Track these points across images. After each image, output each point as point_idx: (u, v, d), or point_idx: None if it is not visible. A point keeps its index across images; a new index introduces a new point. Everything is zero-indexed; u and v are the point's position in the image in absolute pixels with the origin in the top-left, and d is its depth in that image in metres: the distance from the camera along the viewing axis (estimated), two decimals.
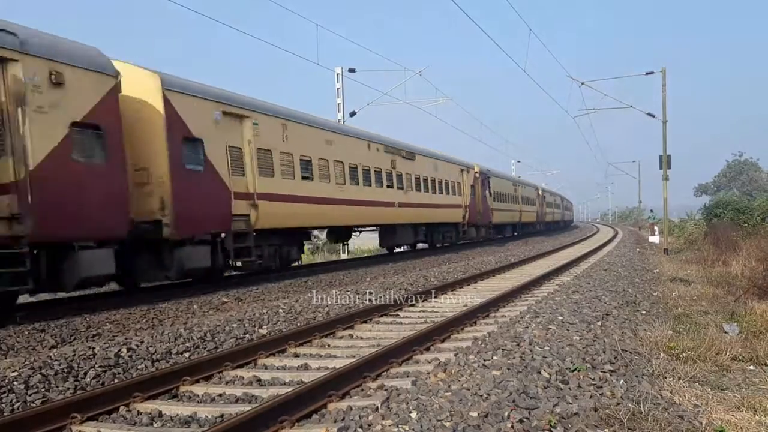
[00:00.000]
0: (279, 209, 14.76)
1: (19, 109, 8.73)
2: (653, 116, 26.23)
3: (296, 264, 17.72)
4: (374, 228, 22.86)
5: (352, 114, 26.74)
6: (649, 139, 39.11)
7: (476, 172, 31.75)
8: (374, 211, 20.42)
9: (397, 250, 25.98)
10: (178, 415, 4.99)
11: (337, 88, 26.34)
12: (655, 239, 32.34)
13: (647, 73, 25.51)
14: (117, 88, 10.53)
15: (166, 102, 11.58)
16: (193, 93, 12.41)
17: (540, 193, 53.00)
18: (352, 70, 25.97)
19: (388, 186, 21.54)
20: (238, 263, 14.15)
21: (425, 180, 25.08)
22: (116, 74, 10.50)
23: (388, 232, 23.22)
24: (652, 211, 40.64)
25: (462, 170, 30.00)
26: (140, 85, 11.45)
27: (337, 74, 26.21)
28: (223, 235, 13.07)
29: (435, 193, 26.11)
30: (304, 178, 16.06)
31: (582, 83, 25.93)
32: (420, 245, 27.42)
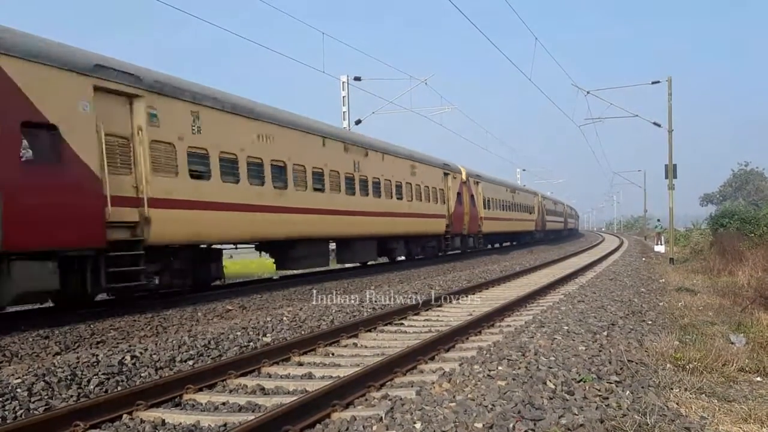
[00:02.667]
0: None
1: None
2: (659, 125, 26.18)
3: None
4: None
5: (358, 122, 26.79)
6: (654, 149, 38.97)
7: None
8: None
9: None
10: (181, 423, 4.97)
11: (343, 97, 26.39)
12: (660, 249, 32.23)
13: (653, 83, 25.47)
14: None
15: None
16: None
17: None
18: (357, 79, 26.03)
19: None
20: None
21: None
22: None
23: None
24: (659, 220, 40.47)
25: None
26: None
27: (343, 82, 26.27)
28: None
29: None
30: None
31: (588, 92, 25.96)
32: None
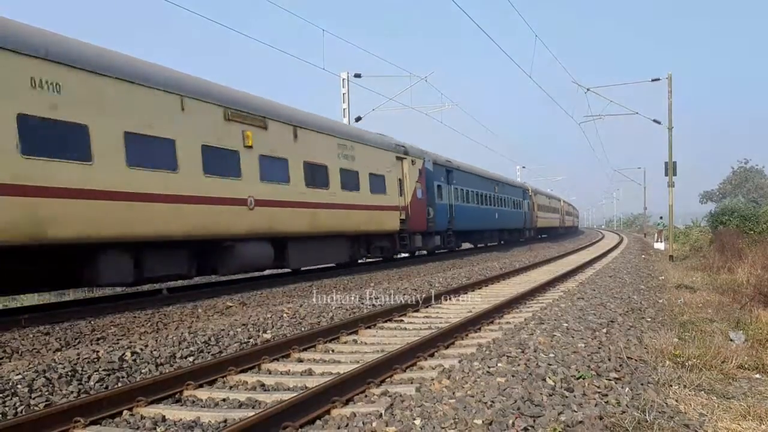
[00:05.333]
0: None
1: None
2: (659, 123, 26.18)
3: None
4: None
5: (358, 119, 26.76)
6: (654, 146, 38.91)
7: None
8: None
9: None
10: (181, 419, 4.98)
11: (343, 93, 26.36)
12: (660, 246, 32.24)
13: (653, 80, 25.45)
14: None
15: None
16: None
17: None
18: (357, 76, 25.99)
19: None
20: None
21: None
22: None
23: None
24: (661, 218, 40.42)
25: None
26: None
27: (343, 79, 26.24)
28: None
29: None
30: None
31: (588, 89, 25.92)
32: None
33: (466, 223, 28.47)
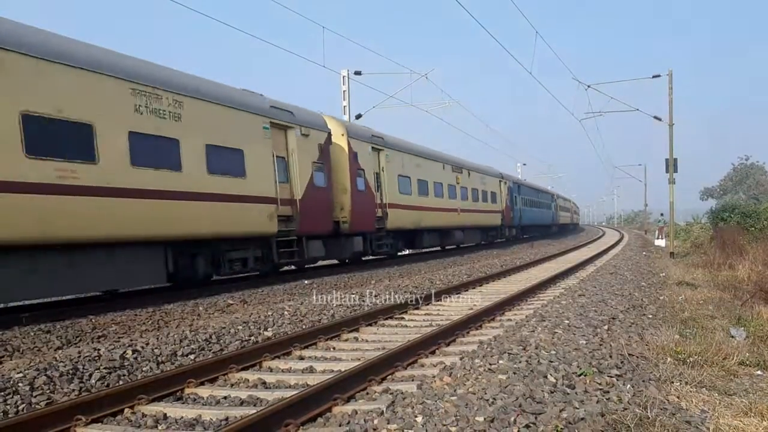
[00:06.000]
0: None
1: None
2: (659, 119, 26.14)
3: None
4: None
5: (358, 116, 26.74)
6: (655, 142, 38.88)
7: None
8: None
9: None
10: (182, 417, 4.98)
11: (343, 91, 26.34)
12: (661, 243, 32.25)
13: (654, 76, 25.42)
14: None
15: None
16: None
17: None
18: (358, 73, 25.97)
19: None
20: None
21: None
22: None
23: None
24: (662, 215, 40.36)
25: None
26: None
27: (343, 77, 26.21)
28: None
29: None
30: None
31: (588, 86, 25.90)
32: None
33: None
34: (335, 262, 19.98)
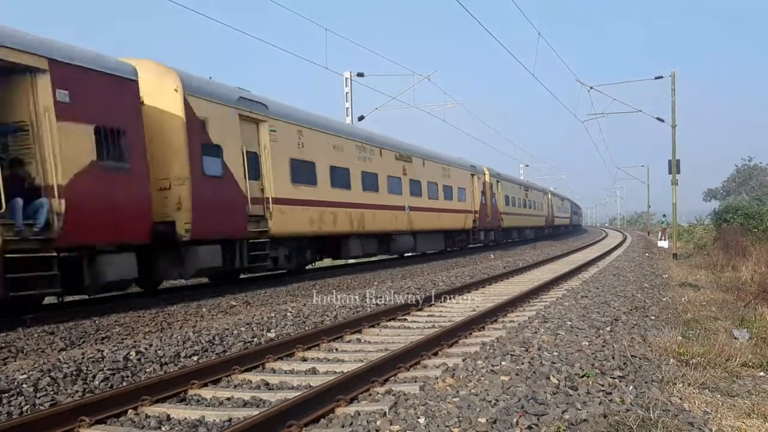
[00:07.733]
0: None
1: None
2: (662, 120, 26.10)
3: None
4: None
5: (361, 118, 26.76)
6: (658, 143, 38.83)
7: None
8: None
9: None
10: (186, 418, 5.00)
11: (346, 93, 26.37)
12: (664, 244, 32.19)
13: (656, 78, 25.38)
14: None
15: None
16: None
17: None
18: (360, 75, 26.01)
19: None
20: None
21: None
22: None
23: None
24: (665, 216, 40.31)
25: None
26: None
27: (346, 78, 26.24)
28: None
29: None
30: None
31: (590, 87, 25.88)
32: None
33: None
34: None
